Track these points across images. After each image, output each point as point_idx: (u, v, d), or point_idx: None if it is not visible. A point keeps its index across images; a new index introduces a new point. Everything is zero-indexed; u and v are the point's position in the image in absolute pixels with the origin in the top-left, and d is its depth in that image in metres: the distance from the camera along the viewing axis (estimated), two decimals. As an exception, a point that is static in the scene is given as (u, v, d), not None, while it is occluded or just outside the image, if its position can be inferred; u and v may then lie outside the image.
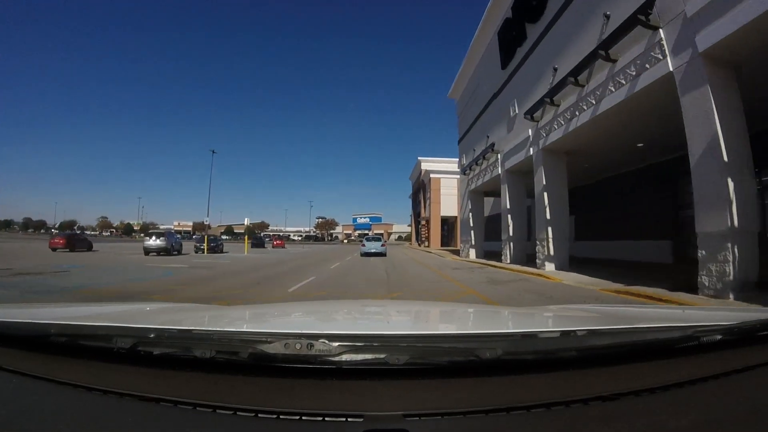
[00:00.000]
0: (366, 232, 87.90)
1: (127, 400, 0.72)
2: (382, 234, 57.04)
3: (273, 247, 34.02)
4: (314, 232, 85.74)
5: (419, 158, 41.35)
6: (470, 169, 15.75)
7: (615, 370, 0.78)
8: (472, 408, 0.70)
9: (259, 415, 0.69)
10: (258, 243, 32.83)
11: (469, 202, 16.59)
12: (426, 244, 39.46)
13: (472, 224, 16.27)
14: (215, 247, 21.30)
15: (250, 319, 1.27)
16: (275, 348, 0.74)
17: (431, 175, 37.74)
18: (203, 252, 19.61)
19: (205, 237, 21.00)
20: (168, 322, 1.11)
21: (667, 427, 0.70)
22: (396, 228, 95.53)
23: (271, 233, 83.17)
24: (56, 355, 0.83)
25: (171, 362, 0.78)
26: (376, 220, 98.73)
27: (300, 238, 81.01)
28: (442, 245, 36.21)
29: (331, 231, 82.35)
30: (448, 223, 39.02)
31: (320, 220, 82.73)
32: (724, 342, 0.84)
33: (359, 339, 0.76)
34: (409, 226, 73.44)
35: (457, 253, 19.88)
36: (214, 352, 0.76)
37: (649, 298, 5.31)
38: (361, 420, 0.67)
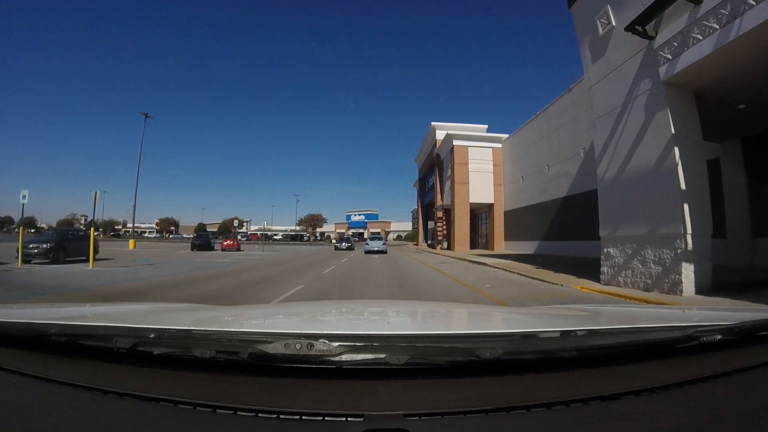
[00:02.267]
0: (361, 230, 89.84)
1: (127, 399, 0.72)
2: (379, 232, 56.60)
3: (222, 249, 26.75)
4: (300, 231, 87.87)
5: (433, 124, 27.40)
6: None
7: (615, 370, 0.78)
8: (472, 408, 0.68)
9: (260, 414, 0.67)
10: (202, 244, 26.49)
11: (669, 114, 6.20)
12: (443, 245, 30.44)
13: (683, 183, 6.04)
14: (51, 251, 12.90)
15: (250, 319, 1.23)
16: (275, 348, 0.73)
17: (454, 143, 27.63)
18: (33, 260, 12.59)
19: (20, 233, 12.49)
20: (168, 322, 1.11)
21: (667, 427, 0.67)
22: (395, 226, 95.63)
23: (259, 232, 79.67)
24: (56, 355, 0.84)
25: (171, 362, 0.78)
26: (372, 217, 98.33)
27: (280, 238, 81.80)
28: (471, 247, 27.15)
29: (319, 229, 67.65)
30: (476, 215, 29.43)
31: (305, 217, 67.69)
32: (724, 342, 0.85)
33: (359, 339, 0.76)
34: (414, 221, 67.81)
35: (544, 264, 11.41)
36: (214, 352, 0.76)
37: None
38: (362, 420, 0.65)
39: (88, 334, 0.85)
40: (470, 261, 15.14)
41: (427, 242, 43.34)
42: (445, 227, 30.79)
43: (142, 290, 7.63)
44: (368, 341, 0.74)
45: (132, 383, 0.73)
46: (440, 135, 31.08)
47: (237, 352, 0.74)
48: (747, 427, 0.66)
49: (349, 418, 0.64)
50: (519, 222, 22.92)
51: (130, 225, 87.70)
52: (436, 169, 33.10)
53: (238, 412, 0.66)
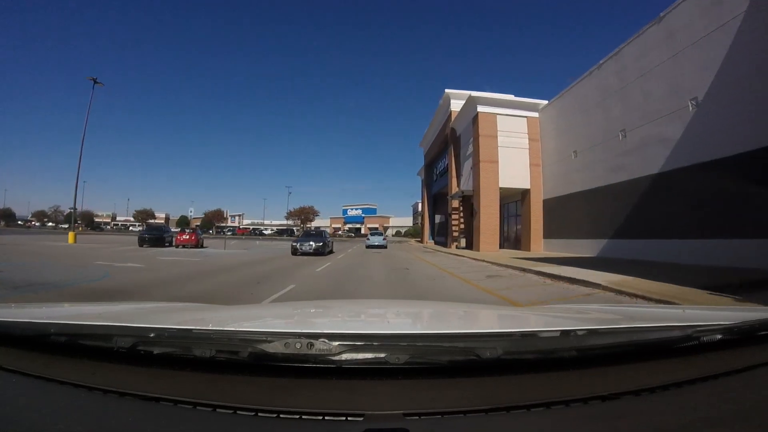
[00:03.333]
0: (358, 225, 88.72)
1: (128, 399, 0.73)
2: (377, 227, 54.27)
3: (176, 245, 22.69)
4: (291, 225, 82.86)
5: (447, 91, 19.25)
6: None
7: (615, 370, 0.80)
8: (472, 407, 0.69)
9: (259, 414, 0.68)
10: (153, 239, 22.12)
11: None
12: (460, 243, 24.31)
13: None
14: None
15: (250, 319, 1.24)
16: (275, 347, 0.75)
17: (479, 109, 21.67)
18: None
19: None
20: (168, 321, 1.12)
21: (667, 427, 0.68)
22: (393, 221, 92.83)
23: (252, 227, 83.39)
24: (56, 355, 0.86)
25: (171, 362, 0.80)
26: (369, 212, 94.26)
27: (270, 232, 79.93)
28: (503, 247, 22.16)
29: (313, 224, 61.83)
30: (501, 206, 22.44)
31: (294, 210, 62.10)
32: (724, 342, 0.87)
33: (359, 338, 0.78)
34: (415, 216, 68.59)
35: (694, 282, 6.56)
36: (214, 351, 0.77)
37: None
38: (362, 419, 0.67)
39: (89, 333, 0.88)
40: (542, 273, 9.77)
41: (433, 239, 37.50)
42: (462, 220, 27.66)
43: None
44: (368, 341, 0.77)
45: (132, 383, 0.75)
46: (456, 105, 27.87)
47: (237, 351, 0.77)
48: (747, 427, 0.68)
49: (349, 418, 0.66)
50: (568, 213, 19.09)
51: (121, 218, 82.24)
52: (450, 149, 30.21)
53: (238, 412, 0.68)
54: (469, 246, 23.27)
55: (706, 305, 4.18)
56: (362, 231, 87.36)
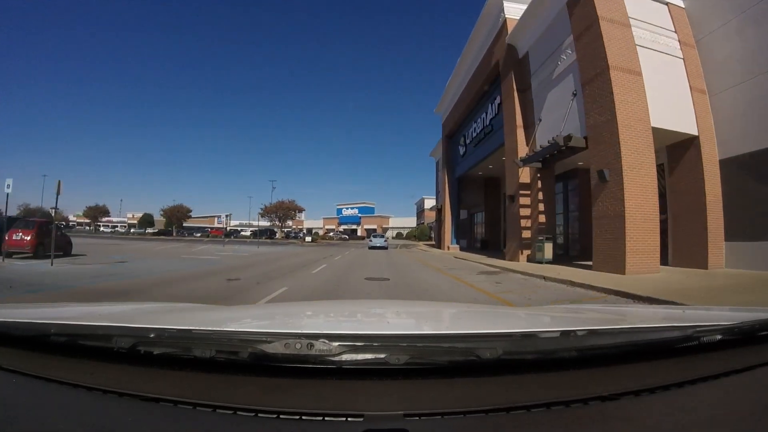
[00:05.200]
0: (354, 226, 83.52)
1: (127, 399, 0.75)
2: (375, 229, 54.14)
3: (2, 251, 12.55)
4: (271, 225, 68.12)
5: None
6: None
7: (615, 370, 0.81)
8: (472, 408, 0.70)
9: (259, 414, 0.70)
10: None
11: None
12: (541, 252, 12.09)
13: None
14: None
15: (250, 319, 1.25)
16: (275, 348, 0.76)
17: None
18: None
19: None
20: (168, 321, 1.14)
21: (667, 427, 0.69)
22: (394, 222, 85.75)
23: (238, 228, 71.60)
24: (56, 355, 0.88)
25: (171, 362, 0.82)
26: (367, 211, 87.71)
27: (247, 233, 71.11)
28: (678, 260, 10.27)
29: (303, 225, 50.77)
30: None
31: (269, 205, 65.38)
32: (724, 342, 0.88)
33: (359, 339, 0.80)
34: (420, 215, 65.13)
35: None
36: (214, 351, 0.78)
37: None
38: (361, 420, 0.68)
39: (88, 334, 0.89)
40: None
41: (456, 242, 27.09)
42: (543, 207, 14.53)
43: None
44: (368, 341, 0.78)
45: (132, 383, 0.77)
46: (514, 10, 16.09)
47: (237, 351, 0.78)
48: (747, 427, 0.68)
49: (349, 418, 0.67)
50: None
51: (103, 219, 73.88)
52: (508, 82, 16.23)
53: (238, 412, 0.69)
54: (573, 256, 13.54)
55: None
56: (359, 233, 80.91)
